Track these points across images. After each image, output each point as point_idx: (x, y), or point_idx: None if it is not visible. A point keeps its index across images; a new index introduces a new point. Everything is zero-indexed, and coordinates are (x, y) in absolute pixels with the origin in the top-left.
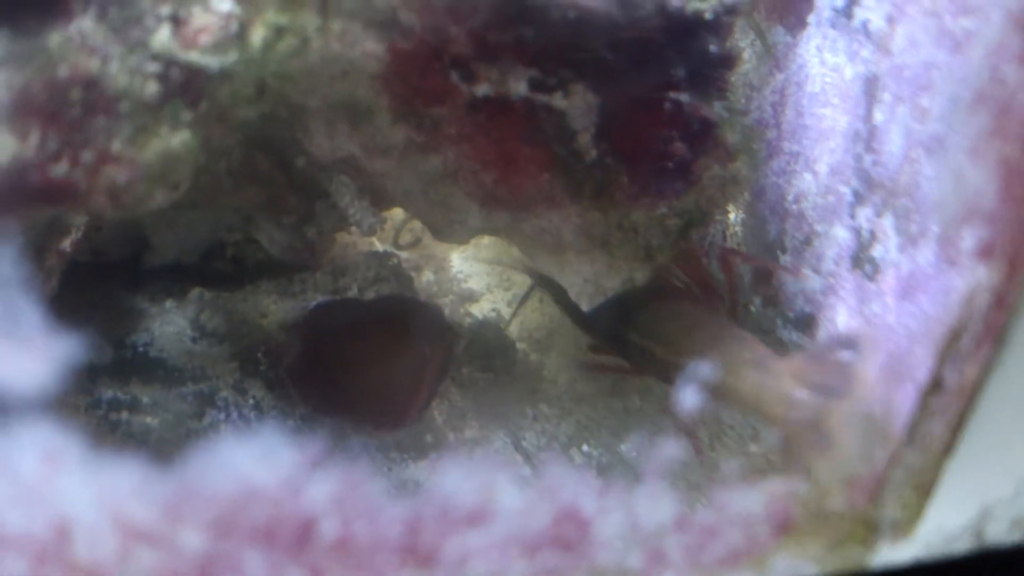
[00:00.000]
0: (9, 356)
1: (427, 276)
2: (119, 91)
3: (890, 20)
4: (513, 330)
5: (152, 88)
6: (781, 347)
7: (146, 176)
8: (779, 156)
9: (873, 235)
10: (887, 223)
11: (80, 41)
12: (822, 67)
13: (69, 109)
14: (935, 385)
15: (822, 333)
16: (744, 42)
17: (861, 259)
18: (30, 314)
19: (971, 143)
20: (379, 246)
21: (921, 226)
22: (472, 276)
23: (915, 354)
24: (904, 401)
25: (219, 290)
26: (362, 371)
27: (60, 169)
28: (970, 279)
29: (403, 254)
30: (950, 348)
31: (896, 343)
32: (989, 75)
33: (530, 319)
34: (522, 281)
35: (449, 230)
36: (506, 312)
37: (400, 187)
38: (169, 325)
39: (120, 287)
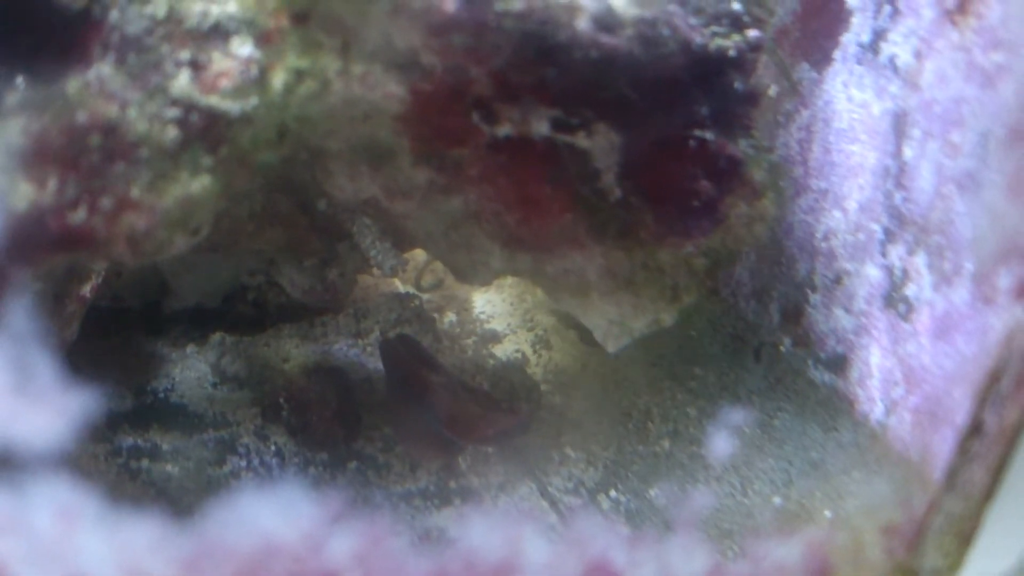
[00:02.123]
0: (24, 412)
1: (449, 317)
2: (138, 137)
3: (918, 55)
4: (537, 371)
5: (172, 133)
6: (812, 388)
7: (166, 222)
8: (807, 193)
9: (906, 273)
10: (920, 261)
11: (99, 87)
12: (849, 103)
13: (88, 155)
14: (974, 429)
15: (855, 373)
16: (769, 79)
17: (894, 298)
18: (45, 368)
19: (1007, 179)
20: (401, 287)
21: (955, 264)
22: (495, 317)
23: (952, 396)
24: (942, 445)
25: (240, 334)
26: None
27: (79, 216)
28: (1008, 319)
29: (425, 295)
30: (989, 391)
31: (932, 385)
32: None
33: (554, 359)
34: (546, 321)
35: (471, 272)
36: (530, 353)
37: (422, 228)
38: (190, 370)
39: (140, 332)
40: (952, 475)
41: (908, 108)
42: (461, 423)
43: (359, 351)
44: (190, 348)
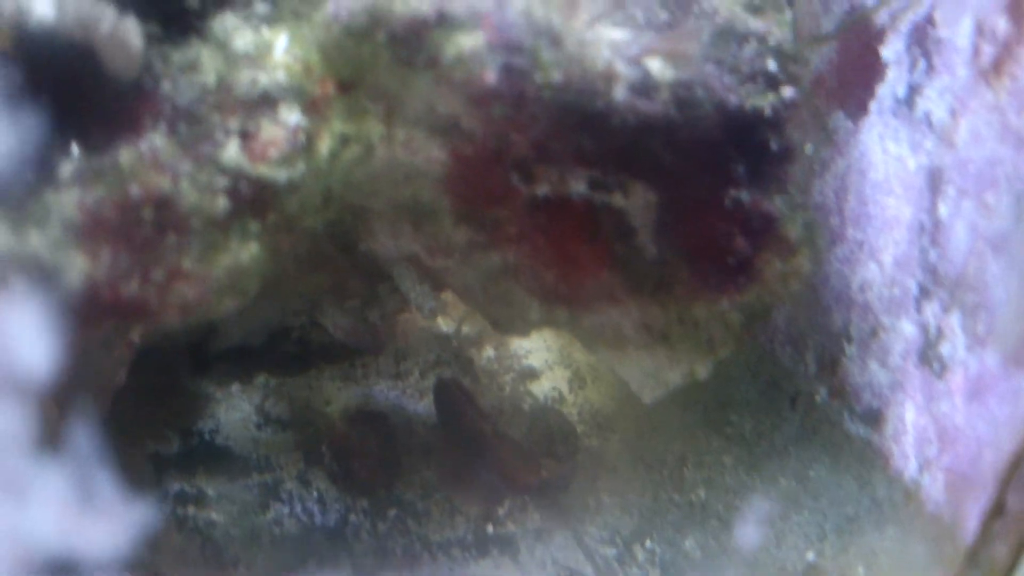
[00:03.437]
0: (84, 525)
1: (487, 352)
2: (189, 208)
3: (953, 113)
4: (573, 411)
5: (222, 204)
6: (848, 441)
7: (215, 290)
8: (843, 243)
9: (940, 332)
10: (954, 320)
11: (151, 158)
12: (885, 156)
13: (140, 228)
14: (997, 509)
15: (890, 429)
16: (804, 126)
17: (928, 356)
18: (104, 482)
19: None
20: (442, 325)
21: (988, 326)
22: (532, 352)
23: (984, 459)
24: (972, 508)
25: (284, 375)
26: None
27: (131, 288)
28: None
29: (464, 328)
30: (1013, 471)
31: (965, 446)
32: None
33: (590, 398)
34: (583, 358)
35: (509, 324)
36: (567, 391)
37: (461, 283)
38: (235, 411)
39: (186, 372)
40: (974, 553)
41: (943, 165)
42: (510, 471)
43: (399, 393)
44: (235, 387)
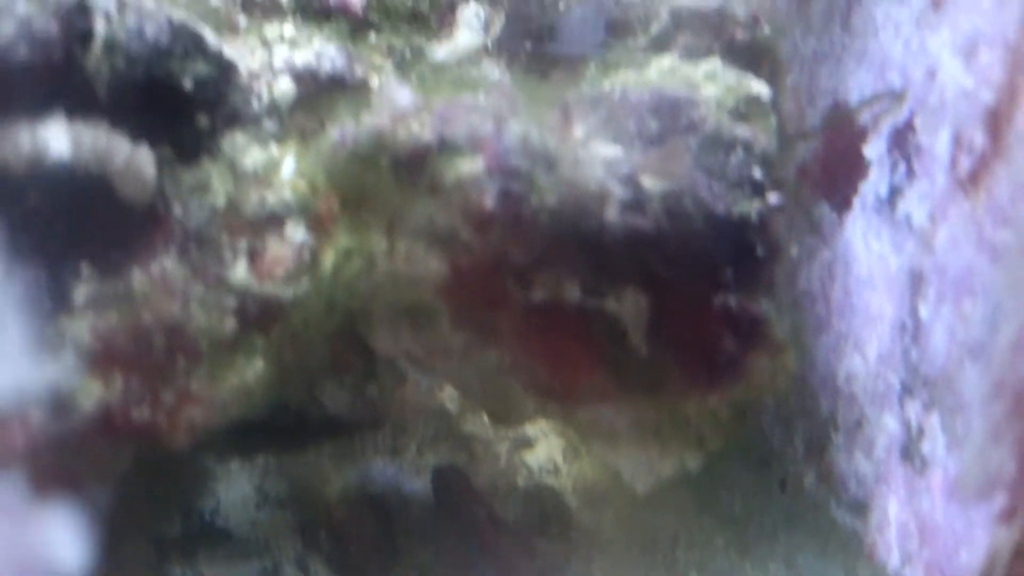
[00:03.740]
0: None
1: (484, 419)
2: (199, 331)
3: (932, 219)
4: (567, 482)
5: (230, 324)
6: (834, 528)
7: (222, 408)
8: (828, 332)
9: (921, 430)
10: (934, 420)
11: (163, 282)
12: (868, 252)
13: (152, 354)
14: None
15: (875, 519)
16: (790, 216)
17: (911, 452)
18: None
19: (992, 426)
20: (439, 398)
21: (966, 429)
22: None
23: (960, 558)
24: None
25: (283, 451)
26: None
27: (143, 413)
28: (993, 538)
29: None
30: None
31: (944, 543)
32: (1010, 361)
33: (584, 471)
34: None
35: (505, 416)
36: (561, 461)
37: (458, 379)
38: (235, 490)
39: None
40: None
41: (924, 268)
42: (506, 560)
43: (397, 470)
44: (235, 464)
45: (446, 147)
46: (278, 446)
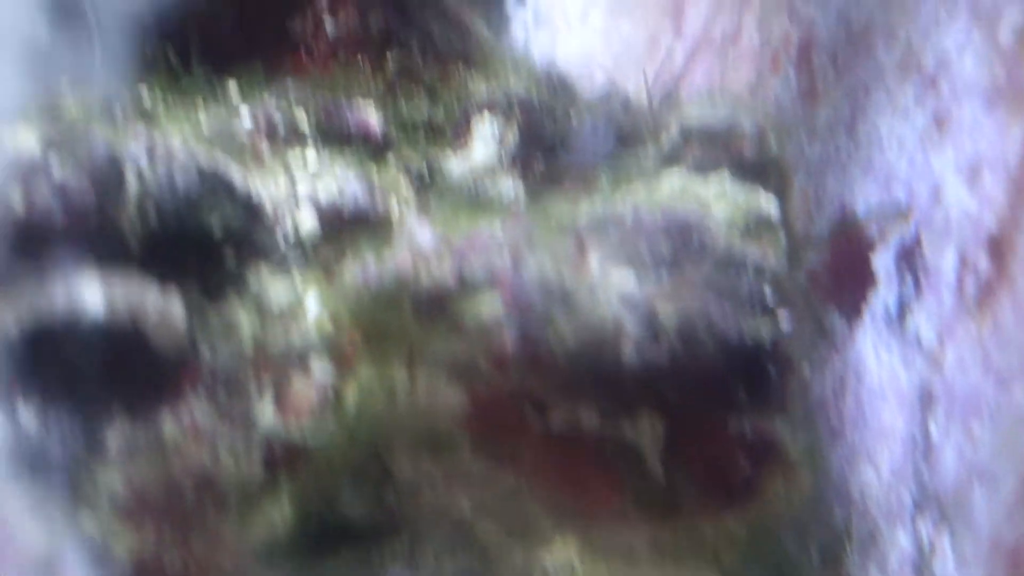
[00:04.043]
0: None
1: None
2: (228, 478)
3: (940, 338)
4: None
5: (257, 470)
6: None
7: (251, 553)
8: (841, 443)
9: (933, 548)
10: (945, 539)
11: (192, 429)
12: (879, 365)
13: (182, 502)
14: None
15: None
16: (801, 321)
17: (923, 570)
18: None
19: None
20: (455, 504)
21: (975, 551)
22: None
23: None
24: None
25: (300, 558)
26: None
27: (174, 563)
28: None
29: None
30: None
31: None
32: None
33: (599, 574)
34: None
35: (522, 536)
36: (577, 563)
37: (477, 501)
38: None
39: None
40: None
41: (933, 386)
42: None
43: None
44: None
45: (465, 286)
46: (295, 555)
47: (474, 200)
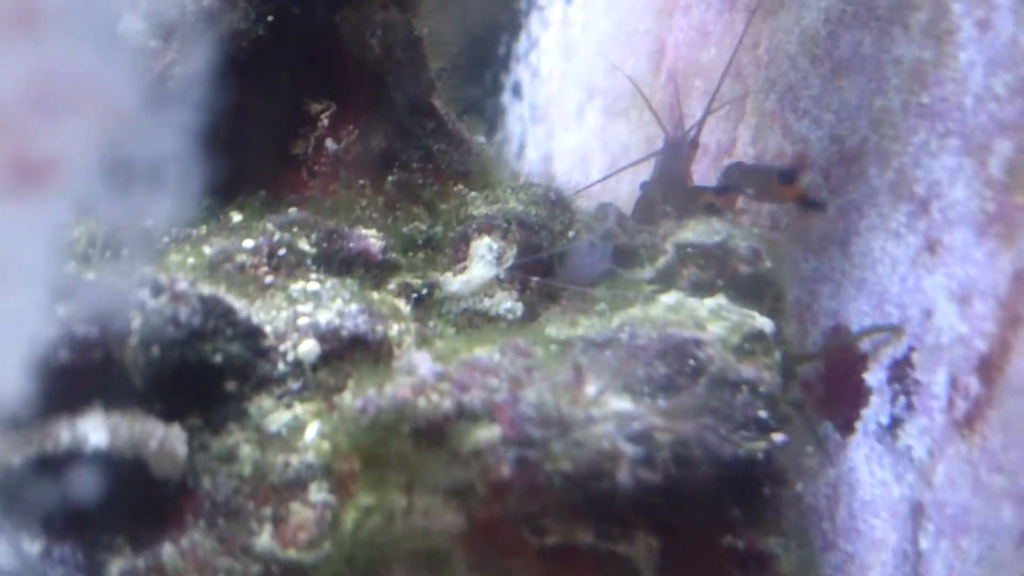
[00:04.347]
0: None
1: None
2: None
3: (931, 454)
4: None
5: None
6: None
7: None
8: (835, 551)
9: None
10: None
11: (192, 556)
12: (871, 478)
13: None
14: None
15: None
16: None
17: None
18: None
19: None
20: None
21: None
22: None
23: None
24: None
25: None
26: None
27: None
28: None
29: None
30: None
31: None
32: None
33: None
34: None
35: None
36: None
37: None
38: None
39: None
40: None
41: (924, 501)
42: None
43: None
44: None
45: (464, 414)
46: None
47: (473, 320)
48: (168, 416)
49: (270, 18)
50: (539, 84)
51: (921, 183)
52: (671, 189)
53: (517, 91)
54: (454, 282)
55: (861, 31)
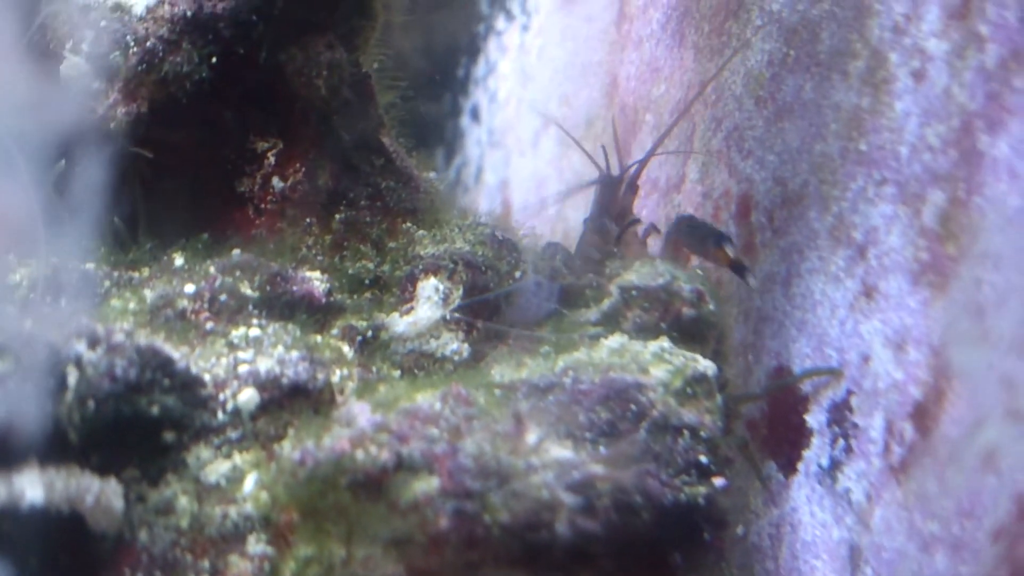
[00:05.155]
0: None
1: None
2: None
3: (869, 498)
4: None
5: None
6: None
7: None
8: None
9: None
10: None
11: None
12: (812, 519)
13: None
14: None
15: None
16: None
17: None
18: None
19: None
20: None
21: None
22: None
23: None
24: None
25: None
26: None
27: None
28: None
29: None
30: None
31: None
32: None
33: None
34: None
35: None
36: None
37: None
38: None
39: None
40: None
41: (862, 545)
42: None
43: None
44: None
45: (403, 465)
46: None
47: (420, 361)
48: (105, 468)
49: (214, 60)
50: (496, 109)
51: (859, 229)
52: (607, 224)
53: (475, 115)
54: (400, 323)
55: (803, 75)
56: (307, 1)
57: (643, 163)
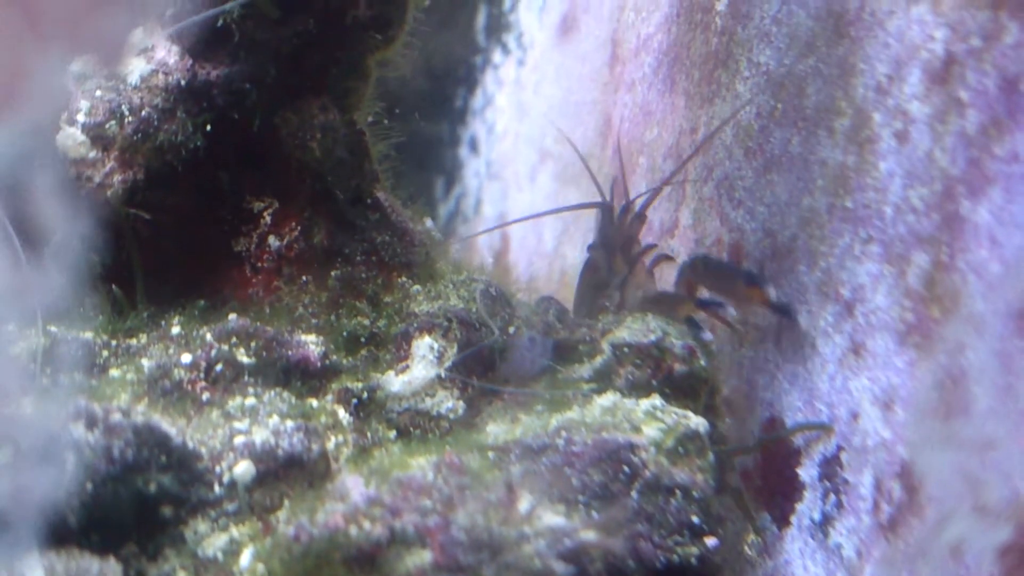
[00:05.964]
0: None
1: None
2: None
3: (859, 554)
4: None
5: None
6: None
7: None
8: None
9: None
10: None
11: None
12: (805, 572)
13: None
14: None
15: None
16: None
17: None
18: None
19: None
20: None
21: None
22: None
23: None
24: None
25: None
26: None
27: None
28: None
29: None
30: None
31: None
32: None
33: None
34: None
35: None
36: None
37: None
38: None
39: None
40: None
41: None
42: None
43: None
44: None
45: (396, 541)
46: None
47: (415, 420)
48: (104, 546)
49: (208, 127)
50: (494, 141)
51: (846, 286)
52: (614, 253)
53: (474, 146)
54: (396, 382)
55: (790, 129)
56: (300, 66)
57: (656, 192)
